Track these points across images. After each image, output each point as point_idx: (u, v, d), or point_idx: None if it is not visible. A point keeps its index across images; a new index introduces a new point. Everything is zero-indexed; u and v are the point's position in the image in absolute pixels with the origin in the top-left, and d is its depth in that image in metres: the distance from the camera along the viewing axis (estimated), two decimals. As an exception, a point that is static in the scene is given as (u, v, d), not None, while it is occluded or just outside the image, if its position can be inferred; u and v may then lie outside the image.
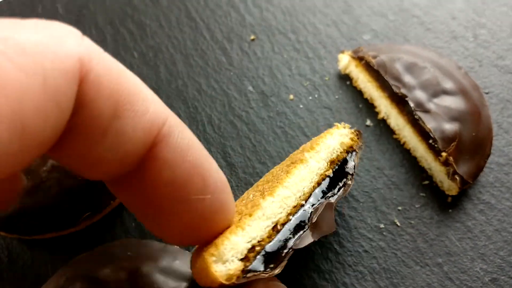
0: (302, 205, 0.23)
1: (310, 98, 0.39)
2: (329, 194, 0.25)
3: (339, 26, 0.43)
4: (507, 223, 0.33)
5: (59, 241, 0.33)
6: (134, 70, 0.41)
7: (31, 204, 0.32)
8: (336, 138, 0.27)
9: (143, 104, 0.17)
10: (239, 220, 0.22)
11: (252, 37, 0.43)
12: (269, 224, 0.22)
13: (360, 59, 0.38)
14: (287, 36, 0.43)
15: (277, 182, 0.24)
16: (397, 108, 0.36)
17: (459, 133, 0.33)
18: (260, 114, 0.39)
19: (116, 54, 0.42)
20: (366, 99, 0.39)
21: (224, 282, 0.19)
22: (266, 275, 0.20)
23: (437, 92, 0.35)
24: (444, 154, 0.33)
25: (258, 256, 0.20)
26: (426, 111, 0.34)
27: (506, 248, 0.32)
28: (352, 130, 0.29)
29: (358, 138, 0.29)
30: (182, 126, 0.19)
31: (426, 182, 0.35)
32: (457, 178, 0.33)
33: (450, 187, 0.34)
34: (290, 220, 0.22)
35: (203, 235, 0.21)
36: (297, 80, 0.40)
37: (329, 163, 0.26)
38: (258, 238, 0.21)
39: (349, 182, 0.26)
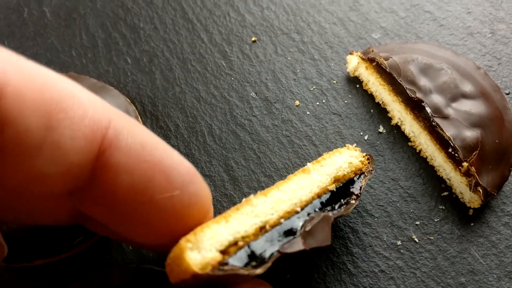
0: (297, 212, 0.22)
1: (318, 103, 0.37)
2: (328, 208, 0.24)
3: (346, 24, 0.40)
4: (534, 237, 0.31)
5: (50, 269, 0.31)
6: (127, 77, 0.39)
7: (18, 229, 0.30)
8: (345, 158, 0.26)
9: (79, 109, 0.16)
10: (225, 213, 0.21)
11: (253, 38, 0.40)
12: (257, 222, 0.20)
13: (370, 60, 0.35)
14: (290, 37, 0.40)
15: (275, 187, 0.23)
16: (412, 113, 0.33)
17: (481, 140, 0.31)
18: (264, 123, 0.36)
19: (108, 60, 0.39)
20: (378, 104, 0.36)
21: (197, 270, 0.17)
22: (246, 272, 0.18)
23: (456, 95, 0.33)
24: (465, 164, 0.30)
25: (240, 251, 0.19)
26: (445, 117, 0.32)
27: (535, 265, 0.30)
28: (364, 154, 0.28)
29: (368, 163, 0.27)
30: (130, 125, 0.18)
31: (445, 193, 0.32)
32: (480, 190, 0.30)
33: (472, 199, 0.31)
34: (281, 223, 0.21)
35: (182, 233, 0.20)
36: (303, 85, 0.38)
37: (333, 180, 0.25)
38: (243, 233, 0.20)
39: (353, 201, 0.25)
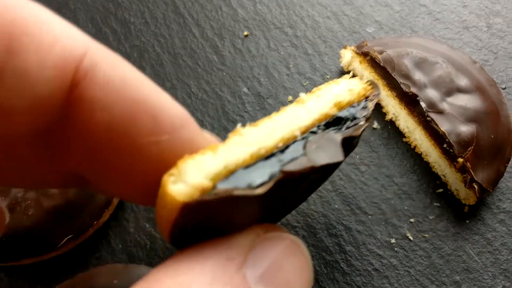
0: (296, 138, 0.19)
1: (311, 99, 0.36)
2: (332, 128, 0.20)
3: (340, 18, 0.40)
4: (530, 233, 0.30)
5: (38, 267, 0.30)
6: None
7: (6, 228, 0.29)
8: (343, 86, 0.22)
9: (48, 35, 0.14)
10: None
11: (246, 33, 0.39)
12: (250, 149, 0.17)
13: (364, 55, 0.35)
14: (283, 31, 0.39)
15: (266, 118, 0.19)
16: (406, 108, 0.33)
17: (476, 135, 0.30)
18: (257, 118, 0.35)
19: (98, 56, 0.39)
20: (372, 99, 0.36)
21: (183, 199, 0.14)
22: (243, 192, 0.15)
23: (451, 90, 0.32)
24: (460, 159, 0.30)
25: (232, 175, 0.16)
26: (439, 111, 0.31)
27: (531, 262, 0.29)
28: (365, 81, 0.23)
29: (372, 88, 0.23)
30: (111, 57, 0.16)
31: (440, 190, 0.32)
32: (475, 186, 0.29)
33: (467, 195, 0.31)
34: (280, 148, 0.18)
35: None
36: (296, 80, 0.37)
37: (333, 105, 0.21)
38: (234, 160, 0.16)
39: (362, 123, 0.21)
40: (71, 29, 0.15)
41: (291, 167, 0.17)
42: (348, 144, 0.21)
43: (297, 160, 0.17)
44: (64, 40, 0.14)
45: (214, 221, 0.16)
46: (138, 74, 0.16)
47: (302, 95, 0.20)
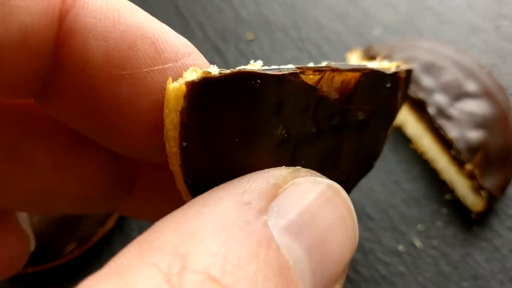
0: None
1: (316, 103, 0.35)
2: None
3: (345, 20, 0.39)
4: (538, 240, 0.30)
5: (42, 276, 0.30)
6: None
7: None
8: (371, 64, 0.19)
9: None
10: None
11: (249, 35, 0.39)
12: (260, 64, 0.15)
13: (372, 59, 0.34)
14: (287, 33, 0.39)
15: None
16: (414, 114, 0.32)
17: (484, 142, 0.30)
18: (261, 123, 0.35)
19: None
20: (378, 103, 0.35)
21: (186, 80, 0.13)
22: (257, 71, 0.13)
23: (459, 95, 0.32)
24: (468, 166, 0.29)
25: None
26: (448, 117, 0.31)
27: (539, 270, 0.29)
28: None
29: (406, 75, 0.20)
30: None
31: (448, 196, 0.32)
32: (483, 193, 0.29)
33: (475, 202, 0.30)
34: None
35: None
36: (301, 83, 0.36)
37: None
38: (242, 67, 0.14)
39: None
40: None
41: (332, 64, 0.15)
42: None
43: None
44: None
45: (229, 137, 0.13)
46: (132, 4, 0.15)
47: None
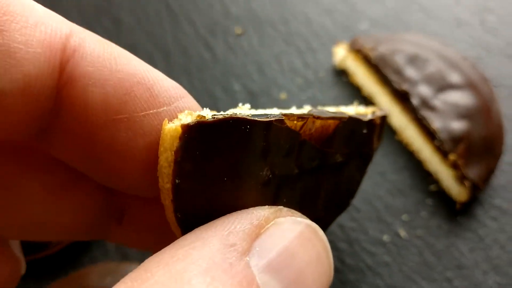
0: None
1: (304, 96, 0.36)
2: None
3: (333, 15, 0.40)
4: (522, 230, 0.30)
5: (31, 266, 0.30)
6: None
7: None
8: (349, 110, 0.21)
9: (30, 16, 0.14)
10: None
11: (238, 30, 0.39)
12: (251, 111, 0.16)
13: (357, 51, 0.34)
14: (276, 28, 0.39)
15: None
16: (399, 105, 0.33)
17: (468, 132, 0.30)
18: (249, 116, 0.35)
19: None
20: (365, 97, 0.36)
21: (181, 123, 0.14)
22: (246, 117, 0.14)
23: (443, 86, 0.32)
24: (451, 156, 0.30)
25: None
26: (431, 108, 0.31)
27: (522, 259, 0.29)
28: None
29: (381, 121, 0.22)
30: (98, 37, 0.15)
31: (433, 187, 0.32)
32: (467, 183, 0.29)
33: (459, 193, 0.31)
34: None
35: None
36: (289, 77, 0.37)
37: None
38: (236, 112, 0.16)
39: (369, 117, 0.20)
40: (53, 13, 0.15)
41: (314, 112, 0.16)
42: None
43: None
44: (48, 21, 0.14)
45: (219, 177, 0.14)
46: (127, 52, 0.16)
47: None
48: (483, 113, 0.31)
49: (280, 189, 0.16)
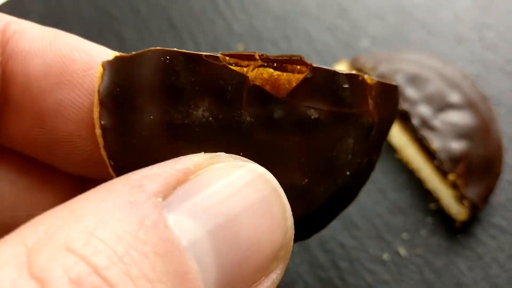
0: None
1: (305, 114, 0.36)
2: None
3: (334, 32, 0.40)
4: (521, 249, 0.31)
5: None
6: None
7: None
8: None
9: None
10: None
11: (240, 47, 0.40)
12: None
13: (358, 71, 0.35)
14: (277, 45, 0.40)
15: None
16: (400, 124, 0.33)
17: (467, 152, 0.31)
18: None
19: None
20: (365, 114, 0.36)
21: (101, 64, 0.14)
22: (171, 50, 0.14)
23: (443, 106, 0.32)
24: (451, 176, 0.30)
25: None
26: (431, 128, 0.31)
27: (521, 277, 0.30)
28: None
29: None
30: (38, 25, 0.17)
31: (433, 206, 0.32)
32: (466, 202, 0.30)
33: (458, 211, 0.31)
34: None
35: None
36: (290, 94, 0.37)
37: None
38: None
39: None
40: None
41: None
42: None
43: None
44: None
45: (145, 117, 0.13)
46: (66, 32, 0.17)
47: None
48: (482, 132, 0.32)
49: (226, 136, 0.14)
